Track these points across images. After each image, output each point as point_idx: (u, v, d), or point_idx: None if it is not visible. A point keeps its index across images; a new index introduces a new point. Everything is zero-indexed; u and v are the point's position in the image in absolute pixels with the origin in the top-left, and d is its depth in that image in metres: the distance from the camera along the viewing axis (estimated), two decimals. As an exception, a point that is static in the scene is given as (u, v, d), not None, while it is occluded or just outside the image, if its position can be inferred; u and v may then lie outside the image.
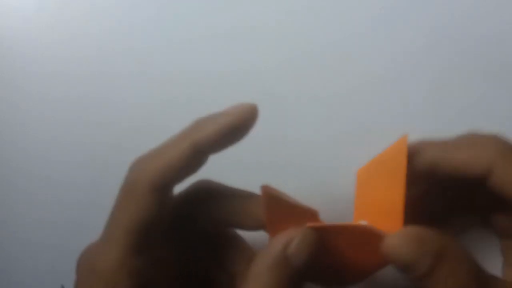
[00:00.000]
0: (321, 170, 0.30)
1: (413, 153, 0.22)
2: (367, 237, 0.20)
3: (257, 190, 0.23)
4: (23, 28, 0.33)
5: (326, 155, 0.30)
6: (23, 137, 0.33)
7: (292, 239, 0.20)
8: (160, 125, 0.31)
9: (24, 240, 0.34)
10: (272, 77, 0.30)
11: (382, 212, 0.22)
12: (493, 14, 0.28)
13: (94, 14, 0.32)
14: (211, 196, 0.24)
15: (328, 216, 0.23)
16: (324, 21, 0.30)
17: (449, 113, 0.29)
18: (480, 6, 0.28)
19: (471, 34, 0.28)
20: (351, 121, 0.30)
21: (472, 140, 0.22)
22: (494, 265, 0.23)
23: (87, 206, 0.32)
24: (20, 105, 0.33)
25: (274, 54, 0.30)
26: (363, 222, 0.23)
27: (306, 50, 0.30)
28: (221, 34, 0.30)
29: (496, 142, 0.21)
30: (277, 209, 0.21)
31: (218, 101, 0.31)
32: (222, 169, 0.30)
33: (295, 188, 0.28)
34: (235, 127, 0.22)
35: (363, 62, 0.29)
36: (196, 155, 0.22)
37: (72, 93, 0.32)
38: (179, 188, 0.24)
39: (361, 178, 0.24)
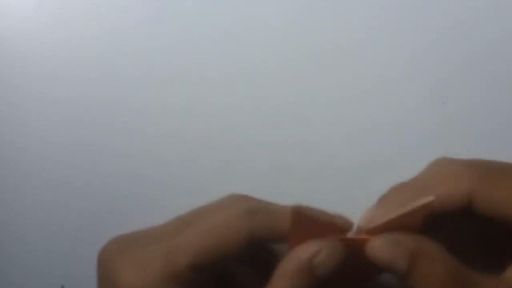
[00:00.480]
0: (324, 171, 0.30)
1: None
2: None
3: (260, 194, 0.22)
4: (23, 28, 0.33)
5: (327, 156, 0.30)
6: (23, 138, 0.33)
7: (321, 250, 0.20)
8: (160, 126, 0.31)
9: (24, 240, 0.34)
10: (273, 78, 0.30)
11: None
12: (494, 14, 0.28)
13: (94, 14, 0.32)
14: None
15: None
16: (324, 21, 0.30)
17: (450, 113, 0.29)
18: (481, 7, 0.28)
19: (473, 35, 0.28)
20: (352, 122, 0.30)
21: (444, 172, 0.22)
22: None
23: (88, 206, 0.32)
24: (20, 105, 0.33)
25: (275, 54, 0.30)
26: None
27: (306, 50, 0.30)
28: (222, 34, 0.30)
29: (470, 168, 0.22)
30: (306, 228, 0.21)
31: (219, 102, 0.31)
32: (221, 172, 0.30)
33: (295, 190, 0.28)
34: None
35: (365, 63, 0.29)
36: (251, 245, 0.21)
37: (72, 93, 0.32)
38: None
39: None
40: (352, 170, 0.25)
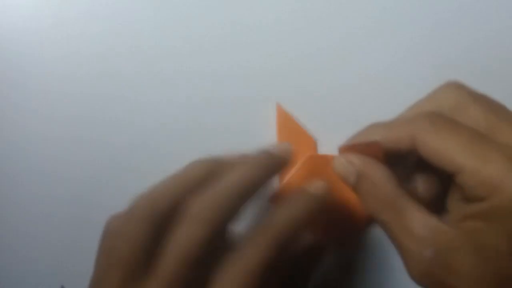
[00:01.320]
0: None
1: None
2: None
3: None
4: (23, 27, 0.33)
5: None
6: (24, 136, 0.33)
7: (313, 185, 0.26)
8: (161, 123, 0.31)
9: (24, 240, 0.34)
10: (274, 76, 0.30)
11: None
12: (493, 13, 0.28)
13: (94, 13, 0.32)
14: None
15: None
16: (323, 20, 0.30)
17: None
18: (481, 5, 0.28)
19: (471, 33, 0.28)
20: (350, 119, 0.30)
21: (406, 117, 0.25)
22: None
23: (88, 206, 0.32)
24: (20, 104, 0.33)
25: (275, 53, 0.30)
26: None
27: (306, 49, 0.30)
28: (223, 33, 0.31)
29: (421, 117, 0.24)
30: (287, 126, 0.28)
31: (220, 99, 0.31)
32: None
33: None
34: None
35: (362, 60, 0.29)
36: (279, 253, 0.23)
37: (71, 92, 0.32)
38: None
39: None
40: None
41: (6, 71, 0.33)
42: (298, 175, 0.29)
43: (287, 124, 0.29)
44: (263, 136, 0.30)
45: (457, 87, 0.25)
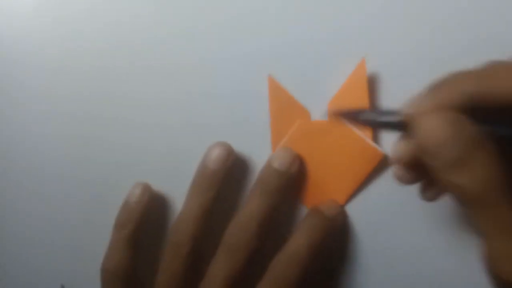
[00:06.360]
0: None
1: (446, 87, 0.20)
2: (353, 141, 0.28)
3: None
4: (22, 27, 0.33)
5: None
6: (24, 135, 0.33)
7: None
8: (160, 121, 0.31)
9: (24, 240, 0.34)
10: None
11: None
12: (493, 12, 0.28)
13: (93, 13, 0.32)
14: None
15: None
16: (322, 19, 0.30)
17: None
18: (481, 4, 0.28)
19: (472, 32, 0.28)
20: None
21: (505, 66, 0.20)
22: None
23: (88, 206, 0.32)
24: (20, 103, 0.33)
25: (276, 44, 0.30)
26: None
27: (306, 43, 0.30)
28: (223, 28, 0.30)
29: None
30: (279, 98, 0.29)
31: (219, 96, 0.31)
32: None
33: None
34: None
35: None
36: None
37: (71, 91, 0.32)
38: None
39: (332, 109, 0.28)
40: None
41: (6, 70, 0.33)
42: (291, 141, 0.29)
43: (279, 95, 0.29)
44: (256, 109, 0.30)
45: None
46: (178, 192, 0.30)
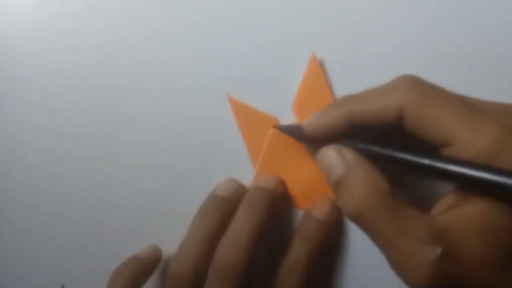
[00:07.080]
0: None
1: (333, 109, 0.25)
2: None
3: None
4: (22, 26, 0.33)
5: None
6: (24, 135, 0.33)
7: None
8: (160, 120, 0.31)
9: (24, 240, 0.34)
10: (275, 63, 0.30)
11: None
12: (493, 11, 0.28)
13: (94, 11, 0.32)
14: None
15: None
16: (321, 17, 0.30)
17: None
18: (481, 3, 0.28)
19: (471, 31, 0.28)
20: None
21: (386, 87, 0.23)
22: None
23: (88, 206, 0.32)
24: (20, 102, 0.33)
25: (277, 40, 0.30)
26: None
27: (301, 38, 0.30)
28: (222, 23, 0.30)
29: (407, 85, 0.22)
30: (245, 114, 0.29)
31: (219, 94, 0.30)
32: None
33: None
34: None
35: (358, 60, 0.29)
36: None
37: (72, 89, 0.32)
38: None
39: (297, 109, 0.29)
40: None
41: (6, 68, 0.33)
42: (270, 153, 0.29)
43: (244, 111, 0.29)
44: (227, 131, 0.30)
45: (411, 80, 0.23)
46: (179, 192, 0.30)
